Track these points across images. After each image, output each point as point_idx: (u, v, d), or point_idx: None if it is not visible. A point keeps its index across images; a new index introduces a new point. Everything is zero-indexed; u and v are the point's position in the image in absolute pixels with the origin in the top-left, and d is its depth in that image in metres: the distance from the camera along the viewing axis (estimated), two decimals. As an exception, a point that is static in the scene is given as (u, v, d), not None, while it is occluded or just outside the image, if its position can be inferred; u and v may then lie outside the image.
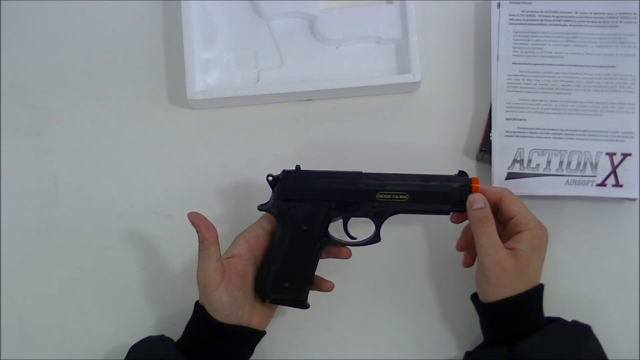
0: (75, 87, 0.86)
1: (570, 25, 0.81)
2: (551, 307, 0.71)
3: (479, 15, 0.86)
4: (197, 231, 0.68)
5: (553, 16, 0.81)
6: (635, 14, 0.80)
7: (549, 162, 0.79)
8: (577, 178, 0.78)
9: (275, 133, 0.85)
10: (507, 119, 0.80)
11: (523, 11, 0.82)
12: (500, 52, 0.81)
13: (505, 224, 0.71)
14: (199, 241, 0.68)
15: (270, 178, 0.71)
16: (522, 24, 0.82)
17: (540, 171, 0.79)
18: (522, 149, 0.79)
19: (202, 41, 0.84)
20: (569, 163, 0.79)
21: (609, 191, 0.78)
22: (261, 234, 0.72)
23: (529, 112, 0.80)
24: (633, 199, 0.78)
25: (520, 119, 0.80)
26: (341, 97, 0.85)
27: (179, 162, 0.84)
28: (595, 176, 0.78)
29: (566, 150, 0.79)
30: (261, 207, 0.72)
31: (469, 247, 0.74)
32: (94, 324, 0.80)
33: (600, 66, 0.80)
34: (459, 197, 0.70)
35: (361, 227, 0.74)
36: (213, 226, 0.69)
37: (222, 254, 0.70)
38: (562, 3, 0.81)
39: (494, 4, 0.82)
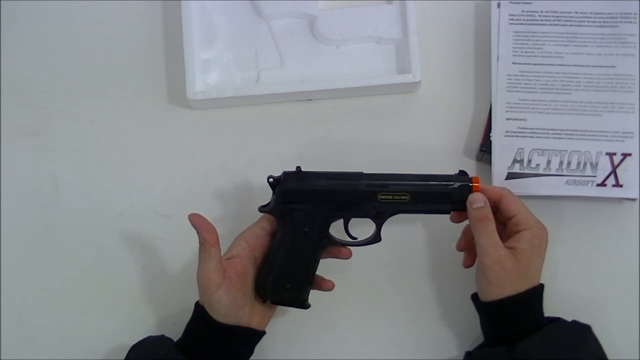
0: (75, 87, 0.86)
1: (570, 25, 0.81)
2: (551, 307, 0.71)
3: (479, 15, 0.86)
4: (197, 233, 0.68)
5: (553, 16, 0.81)
6: (635, 14, 0.80)
7: (549, 162, 0.79)
8: (577, 178, 0.78)
9: (275, 133, 0.85)
10: (507, 119, 0.80)
11: (523, 11, 0.82)
12: (500, 52, 0.81)
13: (505, 224, 0.71)
14: (200, 243, 0.68)
15: (271, 180, 0.71)
16: (522, 24, 0.82)
17: (540, 171, 0.79)
18: (522, 149, 0.79)
19: (202, 41, 0.84)
20: (569, 163, 0.79)
21: (609, 191, 0.78)
22: (261, 235, 0.72)
23: (529, 112, 0.80)
24: (633, 199, 0.78)
25: (520, 119, 0.80)
26: (341, 97, 0.85)
27: (179, 162, 0.84)
28: (595, 176, 0.78)
29: (566, 150, 0.79)
30: (262, 209, 0.72)
31: (469, 247, 0.74)
32: (94, 324, 0.80)
33: (600, 66, 0.80)
34: (460, 197, 0.70)
35: (361, 227, 0.74)
36: (213, 228, 0.69)
37: (222, 254, 0.70)
38: (562, 3, 0.81)
39: (494, 4, 0.82)
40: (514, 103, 0.80)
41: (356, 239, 0.74)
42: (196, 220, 0.68)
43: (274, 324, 0.76)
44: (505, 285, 0.68)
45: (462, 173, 0.72)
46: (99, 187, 0.84)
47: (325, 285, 0.74)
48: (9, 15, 0.88)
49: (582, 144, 0.79)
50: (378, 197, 0.71)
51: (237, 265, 0.70)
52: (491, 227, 0.68)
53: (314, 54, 0.85)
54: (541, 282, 0.70)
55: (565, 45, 0.81)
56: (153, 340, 0.73)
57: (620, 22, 0.80)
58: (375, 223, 0.72)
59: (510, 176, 0.79)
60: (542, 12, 0.81)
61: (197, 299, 0.71)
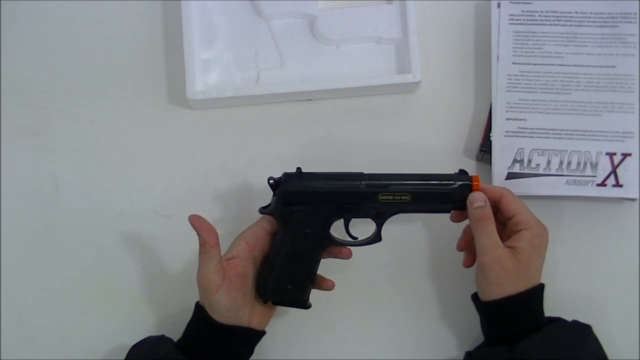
0: (75, 87, 0.86)
1: (570, 25, 0.81)
2: (551, 307, 0.71)
3: (479, 15, 0.86)
4: (197, 234, 0.68)
5: (553, 16, 0.81)
6: (635, 14, 0.80)
7: (549, 162, 0.79)
8: (577, 178, 0.78)
9: (275, 133, 0.85)
10: (507, 119, 0.80)
11: (523, 11, 0.82)
12: (500, 52, 0.81)
13: (505, 224, 0.71)
14: (200, 244, 0.68)
15: (271, 181, 0.71)
16: (522, 24, 0.82)
17: (540, 171, 0.79)
18: (522, 149, 0.79)
19: (202, 41, 0.84)
20: (569, 163, 0.79)
21: (609, 191, 0.78)
22: (261, 235, 0.72)
23: (529, 112, 0.80)
24: (633, 199, 0.78)
25: (520, 119, 0.80)
26: (341, 97, 0.85)
27: (179, 162, 0.84)
28: (595, 176, 0.78)
29: (566, 150, 0.79)
30: (263, 210, 0.72)
31: (469, 247, 0.74)
32: (94, 324, 0.80)
33: (600, 66, 0.80)
34: (460, 196, 0.70)
35: (362, 227, 0.74)
36: (214, 229, 0.69)
37: (222, 254, 0.70)
38: (562, 3, 0.81)
39: (494, 4, 0.82)
40: (514, 103, 0.80)
41: (356, 238, 0.74)
42: (196, 222, 0.68)
43: (274, 324, 0.76)
44: (505, 285, 0.68)
45: (462, 172, 0.72)
46: (99, 187, 0.84)
47: (325, 285, 0.74)
48: (9, 15, 0.88)
49: (582, 144, 0.79)
50: (379, 197, 0.71)
51: (237, 266, 0.70)
52: (491, 226, 0.68)
53: (314, 54, 0.85)
54: (541, 282, 0.70)
55: (565, 45, 0.81)
56: (153, 340, 0.73)
57: (620, 22, 0.80)
58: (376, 223, 0.72)
59: (510, 176, 0.79)
60: (542, 12, 0.81)
61: (197, 299, 0.71)
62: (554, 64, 0.80)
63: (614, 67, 0.80)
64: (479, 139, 0.81)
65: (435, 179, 0.71)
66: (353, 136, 0.84)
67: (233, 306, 0.69)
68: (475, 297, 0.72)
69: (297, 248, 0.71)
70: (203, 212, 0.70)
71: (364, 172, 0.72)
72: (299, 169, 0.72)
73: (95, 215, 0.83)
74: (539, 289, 0.69)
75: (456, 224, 0.74)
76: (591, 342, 0.68)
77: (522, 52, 0.81)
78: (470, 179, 0.71)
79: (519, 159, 0.79)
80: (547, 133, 0.79)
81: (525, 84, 0.80)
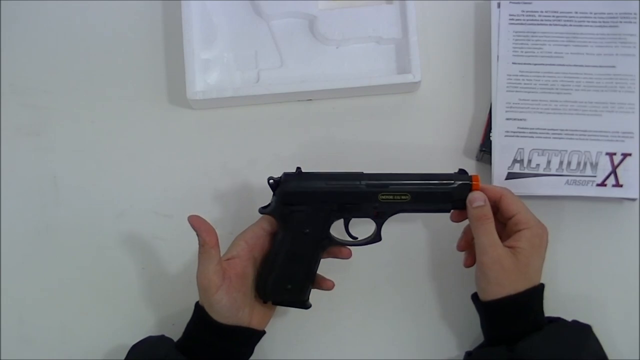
0: (75, 87, 0.86)
1: (570, 25, 0.81)
2: (551, 307, 0.71)
3: (479, 15, 0.86)
4: (197, 235, 0.68)
5: (553, 16, 0.81)
6: (635, 14, 0.80)
7: (549, 162, 0.79)
8: (577, 178, 0.78)
9: (275, 133, 0.84)
10: (507, 119, 0.80)
11: (523, 11, 0.82)
12: (500, 52, 0.81)
13: (505, 224, 0.71)
14: (199, 244, 0.68)
15: (271, 181, 0.71)
16: (522, 24, 0.82)
17: (540, 171, 0.79)
18: (522, 149, 0.79)
19: (202, 41, 0.84)
20: (569, 163, 0.79)
21: (609, 191, 0.78)
22: (261, 235, 0.72)
23: (529, 112, 0.80)
24: (633, 199, 0.78)
25: (520, 119, 0.80)
26: (341, 97, 0.85)
27: (179, 162, 0.84)
28: (595, 176, 0.78)
29: (566, 150, 0.79)
30: (262, 210, 0.72)
31: (469, 247, 0.74)
32: (94, 324, 0.80)
33: (600, 66, 0.80)
34: (460, 196, 0.70)
35: (362, 227, 0.74)
36: (213, 229, 0.69)
37: (221, 254, 0.70)
38: (562, 3, 0.81)
39: (494, 4, 0.82)
40: (514, 103, 0.80)
41: (356, 238, 0.74)
42: (196, 222, 0.68)
43: (274, 324, 0.76)
44: (504, 285, 0.68)
45: (462, 172, 0.72)
46: (99, 187, 0.84)
47: (325, 285, 0.74)
48: (9, 15, 0.88)
49: (582, 144, 0.79)
50: (379, 197, 0.71)
51: (236, 266, 0.70)
52: (490, 226, 0.68)
53: (314, 54, 0.85)
54: (541, 282, 0.70)
55: (565, 45, 0.81)
56: (153, 340, 0.73)
57: (620, 22, 0.80)
58: (376, 223, 0.72)
59: (510, 176, 0.79)
60: (542, 12, 0.81)
61: (197, 299, 0.71)
62: (554, 64, 0.80)
63: (614, 67, 0.80)
64: (479, 139, 0.81)
65: (435, 178, 0.71)
66: (353, 136, 0.84)
67: (233, 306, 0.69)
68: (475, 297, 0.72)
69: (297, 248, 0.71)
70: (203, 212, 0.70)
71: (364, 172, 0.72)
72: (298, 169, 0.72)
73: (95, 215, 0.83)
74: (539, 289, 0.69)
75: (456, 224, 0.74)
76: (591, 342, 0.68)
77: (522, 52, 0.81)
78: (470, 178, 0.71)
79: (519, 159, 0.79)
80: (547, 133, 0.79)
81: (525, 84, 0.80)
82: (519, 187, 0.78)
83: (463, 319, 0.77)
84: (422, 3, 0.86)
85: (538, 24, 0.81)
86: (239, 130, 0.85)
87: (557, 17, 0.81)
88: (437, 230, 0.80)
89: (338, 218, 0.72)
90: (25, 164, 0.84)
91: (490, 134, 0.80)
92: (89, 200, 0.83)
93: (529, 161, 0.79)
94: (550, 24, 0.81)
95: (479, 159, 0.82)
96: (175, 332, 0.73)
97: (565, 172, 0.79)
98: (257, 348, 0.73)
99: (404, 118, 0.84)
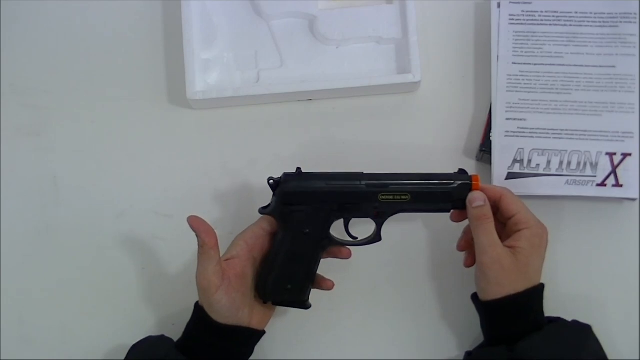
0: (75, 87, 0.86)
1: (570, 25, 0.81)
2: (551, 307, 0.71)
3: (479, 15, 0.86)
4: (196, 235, 0.68)
5: (553, 16, 0.81)
6: (635, 14, 0.80)
7: (549, 162, 0.79)
8: (577, 178, 0.78)
9: (275, 133, 0.84)
10: (507, 119, 0.80)
11: (523, 11, 0.82)
12: (500, 52, 0.81)
13: (505, 224, 0.71)
14: (199, 245, 0.68)
15: (271, 181, 0.71)
16: (522, 24, 0.82)
17: (540, 171, 0.79)
18: (522, 149, 0.79)
19: (202, 41, 0.84)
20: (569, 163, 0.79)
21: (609, 191, 0.78)
22: (260, 235, 0.72)
23: (529, 112, 0.80)
24: (633, 199, 0.78)
25: (520, 119, 0.80)
26: (341, 97, 0.85)
27: (179, 162, 0.84)
28: (595, 176, 0.78)
29: (566, 150, 0.79)
30: (262, 211, 0.72)
31: (469, 247, 0.74)
32: (94, 324, 0.80)
33: (600, 66, 0.80)
34: (460, 196, 0.70)
35: (362, 227, 0.74)
36: (213, 230, 0.69)
37: (221, 254, 0.70)
38: (562, 3, 0.81)
39: (494, 4, 0.82)
40: (514, 103, 0.80)
41: (356, 238, 0.74)
42: (195, 223, 0.68)
43: (274, 324, 0.76)
44: (504, 284, 0.68)
45: (462, 172, 0.72)
46: (99, 187, 0.84)
47: (325, 285, 0.74)
48: (9, 15, 0.88)
49: (582, 144, 0.79)
50: (379, 197, 0.71)
51: (236, 266, 0.70)
52: (490, 226, 0.68)
53: (314, 54, 0.85)
54: (541, 282, 0.70)
55: (565, 45, 0.81)
56: (153, 340, 0.73)
57: (620, 22, 0.80)
58: (376, 223, 0.72)
59: (510, 176, 0.79)
60: (542, 12, 0.81)
61: (197, 299, 0.71)
62: (554, 64, 0.80)
63: (614, 67, 0.80)
64: (479, 139, 0.81)
65: (435, 178, 0.71)
66: (353, 136, 0.84)
67: (232, 306, 0.69)
68: (475, 297, 0.72)
69: (297, 248, 0.71)
70: (203, 212, 0.70)
71: (364, 172, 0.72)
72: (298, 169, 0.72)
73: (95, 215, 0.83)
74: (539, 289, 0.69)
75: (456, 224, 0.74)
76: (591, 342, 0.68)
77: (522, 52, 0.81)
78: (470, 178, 0.71)
79: (519, 159, 0.79)
80: (547, 133, 0.79)
81: (525, 84, 0.80)
82: (519, 187, 0.78)
83: (463, 319, 0.77)
84: (422, 3, 0.86)
85: (538, 24, 0.81)
86: (239, 130, 0.85)
87: (557, 17, 0.81)
88: (437, 230, 0.80)
89: (338, 218, 0.72)
90: (25, 164, 0.84)
91: (490, 134, 0.80)
92: (89, 200, 0.83)
93: (529, 161, 0.79)
94: (550, 24, 0.81)
95: (479, 159, 0.82)
96: (175, 332, 0.73)
97: (565, 172, 0.79)
98: (257, 348, 0.73)
99: (404, 118, 0.84)
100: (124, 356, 0.72)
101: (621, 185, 0.78)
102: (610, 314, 0.78)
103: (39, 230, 0.83)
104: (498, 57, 0.81)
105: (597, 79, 0.80)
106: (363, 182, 0.71)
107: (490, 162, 0.80)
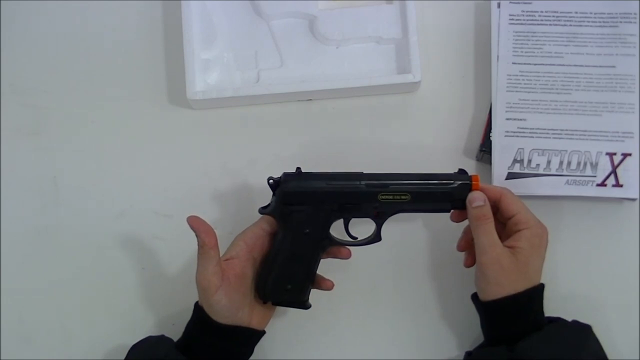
0: (75, 87, 0.86)
1: (570, 25, 0.81)
2: (551, 307, 0.71)
3: (479, 15, 0.86)
4: (196, 235, 0.68)
5: (553, 16, 0.81)
6: (635, 14, 0.80)
7: (549, 162, 0.79)
8: (577, 178, 0.78)
9: (275, 133, 0.85)
10: (507, 119, 0.80)
11: (523, 11, 0.82)
12: (500, 52, 0.81)
13: (505, 224, 0.71)
14: (199, 245, 0.68)
15: (271, 181, 0.71)
16: (522, 24, 0.82)
17: (540, 171, 0.79)
18: (522, 149, 0.79)
19: (202, 41, 0.84)
20: (569, 163, 0.79)
21: (609, 191, 0.78)
22: (260, 235, 0.72)
23: (529, 112, 0.80)
24: (633, 199, 0.78)
25: (520, 119, 0.80)
26: (341, 97, 0.85)
27: (179, 162, 0.84)
28: (595, 176, 0.78)
29: (566, 150, 0.79)
30: (262, 211, 0.72)
31: (469, 248, 0.74)
32: (94, 324, 0.80)
33: (600, 66, 0.80)
34: (460, 196, 0.70)
35: (361, 227, 0.74)
36: (212, 230, 0.69)
37: (221, 254, 0.70)
38: (562, 3, 0.81)
39: (494, 4, 0.82)
40: (514, 103, 0.80)
41: (356, 238, 0.74)
42: (195, 223, 0.68)
43: (274, 324, 0.76)
44: (504, 285, 0.68)
45: (462, 172, 0.72)
46: (99, 187, 0.84)
47: (324, 285, 0.74)
48: (9, 15, 0.88)
49: (582, 144, 0.79)
50: (378, 197, 0.71)
51: (235, 266, 0.70)
52: (490, 226, 0.68)
53: (314, 54, 0.85)
54: (541, 282, 0.70)
55: (565, 45, 0.81)
56: (153, 340, 0.73)
57: (620, 22, 0.80)
58: (376, 223, 0.72)
59: (510, 176, 0.79)
60: (542, 12, 0.81)
61: (197, 299, 0.71)
62: (554, 64, 0.80)
63: (614, 67, 0.80)
64: (479, 139, 0.81)
65: (435, 178, 0.71)
66: (353, 136, 0.84)
67: (232, 307, 0.69)
68: (475, 297, 0.72)
69: (297, 248, 0.71)
70: (203, 212, 0.70)
71: (364, 172, 0.72)
72: (298, 168, 0.72)
73: (95, 215, 0.83)
74: (539, 289, 0.69)
75: (456, 224, 0.74)
76: (591, 342, 0.68)
77: (522, 52, 0.81)
78: (470, 178, 0.71)
79: (519, 159, 0.79)
80: (547, 133, 0.79)
81: (525, 84, 0.80)
82: (519, 187, 0.78)
83: (463, 319, 0.77)
84: (422, 3, 0.86)
85: (538, 24, 0.81)
86: (239, 130, 0.85)
87: (557, 17, 0.81)
88: (437, 230, 0.80)
89: (338, 218, 0.72)
90: (25, 164, 0.84)
91: (490, 134, 0.80)
92: (89, 200, 0.83)
93: (529, 161, 0.79)
94: (550, 24, 0.81)
95: (479, 159, 0.82)
96: (175, 332, 0.73)
97: (565, 172, 0.79)
98: (257, 348, 0.73)
99: (404, 118, 0.84)
100: (124, 356, 0.72)
101: (621, 185, 0.78)
102: (610, 314, 0.77)
103: (39, 230, 0.83)
104: (498, 57, 0.81)
105: (597, 79, 0.80)
106: (363, 182, 0.71)
107: (490, 162, 0.80)
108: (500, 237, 0.69)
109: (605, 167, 0.78)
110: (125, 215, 0.83)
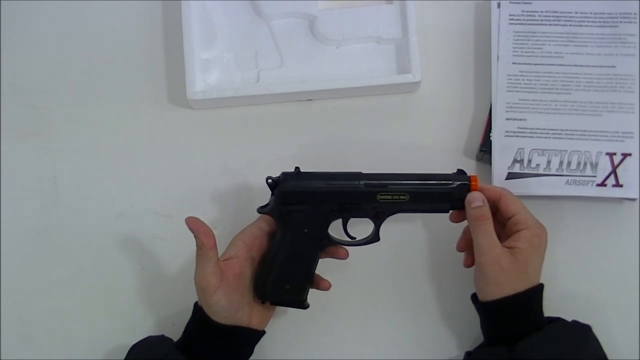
0: (75, 87, 0.86)
1: (570, 25, 0.81)
2: (551, 307, 0.71)
3: (479, 15, 0.86)
4: (195, 236, 0.68)
5: (553, 16, 0.81)
6: (635, 14, 0.80)
7: (549, 162, 0.79)
8: (577, 178, 0.78)
9: (275, 133, 0.85)
10: (507, 119, 0.80)
11: (523, 11, 0.82)
12: (500, 52, 0.81)
13: (504, 224, 0.71)
14: (197, 246, 0.68)
15: (270, 181, 0.71)
16: (522, 24, 0.82)
17: (540, 171, 0.79)
18: (522, 149, 0.79)
19: (202, 41, 0.84)
20: (569, 163, 0.79)
21: (609, 191, 0.78)
22: (258, 235, 0.72)
23: (529, 112, 0.80)
24: (633, 199, 0.78)
25: (520, 119, 0.80)
26: (341, 97, 0.85)
27: (179, 162, 0.84)
28: (595, 176, 0.78)
29: (566, 150, 0.79)
30: (261, 210, 0.72)
31: (469, 248, 0.74)
32: (94, 324, 0.80)
33: (600, 66, 0.80)
34: (459, 196, 0.70)
35: (360, 227, 0.74)
36: (211, 231, 0.68)
37: (220, 254, 0.70)
38: (562, 3, 0.81)
39: (494, 4, 0.82)
40: (514, 103, 0.80)
41: (355, 238, 0.74)
42: (193, 224, 0.68)
43: (274, 324, 0.76)
44: (503, 285, 0.68)
45: (461, 172, 0.72)
46: (99, 187, 0.84)
47: (322, 285, 0.74)
48: (9, 15, 0.88)
49: (582, 144, 0.79)
50: (377, 197, 0.71)
51: (234, 266, 0.70)
52: (489, 226, 0.68)
53: (314, 54, 0.85)
54: (541, 282, 0.70)
55: (565, 45, 0.81)
56: (153, 340, 0.73)
57: (620, 22, 0.80)
58: (374, 223, 0.72)
59: (510, 176, 0.79)
60: (542, 12, 0.81)
61: (197, 299, 0.71)
62: (554, 64, 0.80)
63: (614, 67, 0.80)
64: (479, 139, 0.81)
65: (434, 178, 0.71)
66: (353, 136, 0.84)
67: (231, 306, 0.69)
68: (474, 298, 0.72)
69: (296, 248, 0.71)
70: (203, 212, 0.70)
71: (363, 172, 0.72)
72: (297, 168, 0.72)
73: (95, 215, 0.83)
74: (539, 289, 0.69)
75: (456, 224, 0.74)
76: (591, 342, 0.68)
77: (522, 52, 0.81)
78: (469, 178, 0.71)
79: (519, 159, 0.79)
80: (547, 133, 0.79)
81: (525, 84, 0.80)
82: (519, 187, 0.78)
83: (463, 319, 0.77)
84: (422, 3, 0.86)
85: (538, 24, 0.81)
86: (239, 130, 0.85)
87: (557, 17, 0.81)
88: (436, 230, 0.80)
89: (337, 218, 0.72)
90: (25, 164, 0.84)
91: (490, 134, 0.80)
92: (89, 200, 0.83)
93: (529, 161, 0.79)
94: (550, 24, 0.81)
95: (479, 159, 0.82)
96: (175, 332, 0.73)
97: (565, 172, 0.79)
98: (257, 348, 0.73)
99: (404, 118, 0.84)
100: (124, 356, 0.72)
101: (621, 185, 0.78)
102: (610, 314, 0.77)
103: (39, 230, 0.83)
104: (498, 57, 0.81)
105: (597, 79, 0.80)
106: (362, 182, 0.71)
107: (490, 162, 0.80)
108: (499, 238, 0.69)
109: (605, 167, 0.78)
110: (125, 215, 0.83)
